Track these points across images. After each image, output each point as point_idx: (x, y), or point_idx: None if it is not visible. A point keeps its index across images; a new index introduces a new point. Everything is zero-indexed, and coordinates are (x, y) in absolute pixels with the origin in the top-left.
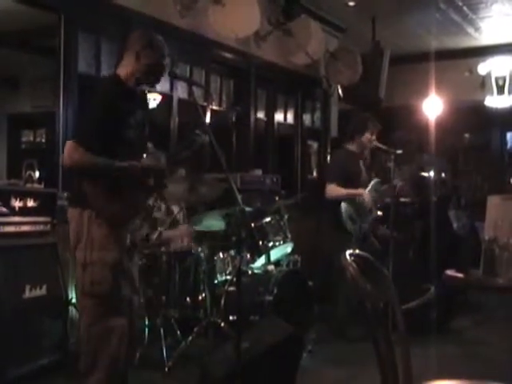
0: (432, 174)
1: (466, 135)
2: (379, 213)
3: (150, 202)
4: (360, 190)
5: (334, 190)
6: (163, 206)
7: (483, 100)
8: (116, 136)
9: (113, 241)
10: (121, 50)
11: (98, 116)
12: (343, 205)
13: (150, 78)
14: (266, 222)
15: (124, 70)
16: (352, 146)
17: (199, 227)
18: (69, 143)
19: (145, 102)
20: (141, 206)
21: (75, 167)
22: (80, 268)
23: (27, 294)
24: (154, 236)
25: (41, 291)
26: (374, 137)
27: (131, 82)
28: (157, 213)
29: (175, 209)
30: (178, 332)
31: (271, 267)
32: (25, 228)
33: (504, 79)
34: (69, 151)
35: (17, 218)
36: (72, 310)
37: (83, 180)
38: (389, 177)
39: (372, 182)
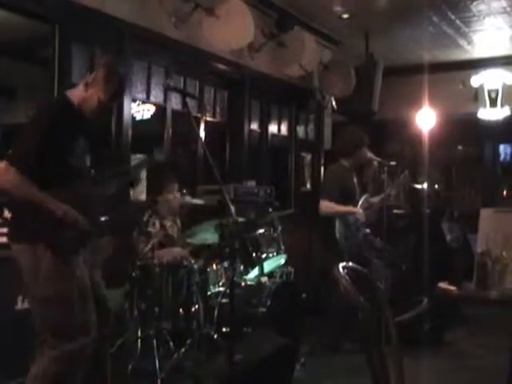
0: (425, 185)
1: (459, 147)
2: (368, 230)
3: (145, 217)
4: (354, 209)
5: (327, 206)
6: (157, 222)
7: (476, 112)
8: (56, 162)
9: (67, 270)
10: None
11: (40, 138)
12: (337, 223)
13: (91, 111)
14: (260, 234)
15: (74, 96)
16: (347, 162)
17: (193, 241)
18: (2, 165)
19: (89, 129)
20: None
21: (6, 192)
22: (40, 302)
23: (19, 305)
24: (147, 249)
25: None
26: (367, 150)
27: (77, 109)
28: (151, 228)
29: (168, 223)
30: (171, 343)
31: (264, 279)
32: None
33: (496, 92)
34: (1, 174)
35: None
36: None
37: (24, 212)
38: (382, 188)
39: (362, 198)
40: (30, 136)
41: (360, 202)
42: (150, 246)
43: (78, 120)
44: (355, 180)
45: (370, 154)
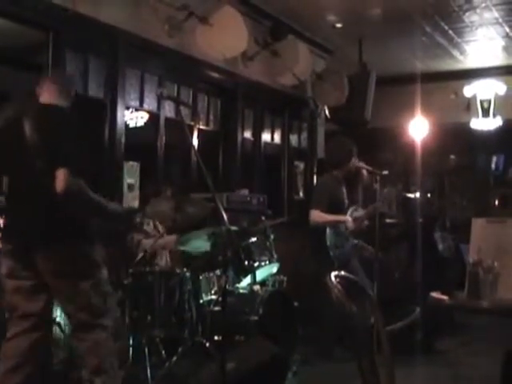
0: (418, 195)
1: (452, 157)
2: (355, 241)
3: (138, 218)
4: (343, 217)
5: (318, 215)
6: (151, 222)
7: (468, 122)
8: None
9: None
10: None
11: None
12: (328, 232)
13: None
14: (252, 242)
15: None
16: (337, 173)
17: (186, 248)
18: (64, 171)
19: None
20: None
21: (75, 196)
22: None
23: None
24: (141, 254)
25: None
26: (357, 159)
27: None
28: (146, 227)
29: (160, 226)
30: (163, 352)
31: (257, 287)
32: None
33: (489, 102)
34: (68, 179)
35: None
36: (56, 329)
37: (72, 213)
38: (375, 198)
39: (350, 210)
40: (73, 141)
41: (348, 213)
42: (143, 251)
43: None
44: (344, 190)
45: (361, 164)
